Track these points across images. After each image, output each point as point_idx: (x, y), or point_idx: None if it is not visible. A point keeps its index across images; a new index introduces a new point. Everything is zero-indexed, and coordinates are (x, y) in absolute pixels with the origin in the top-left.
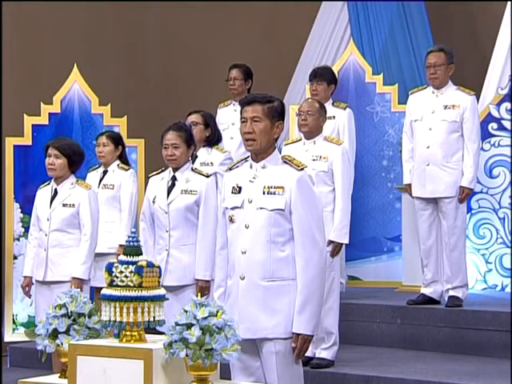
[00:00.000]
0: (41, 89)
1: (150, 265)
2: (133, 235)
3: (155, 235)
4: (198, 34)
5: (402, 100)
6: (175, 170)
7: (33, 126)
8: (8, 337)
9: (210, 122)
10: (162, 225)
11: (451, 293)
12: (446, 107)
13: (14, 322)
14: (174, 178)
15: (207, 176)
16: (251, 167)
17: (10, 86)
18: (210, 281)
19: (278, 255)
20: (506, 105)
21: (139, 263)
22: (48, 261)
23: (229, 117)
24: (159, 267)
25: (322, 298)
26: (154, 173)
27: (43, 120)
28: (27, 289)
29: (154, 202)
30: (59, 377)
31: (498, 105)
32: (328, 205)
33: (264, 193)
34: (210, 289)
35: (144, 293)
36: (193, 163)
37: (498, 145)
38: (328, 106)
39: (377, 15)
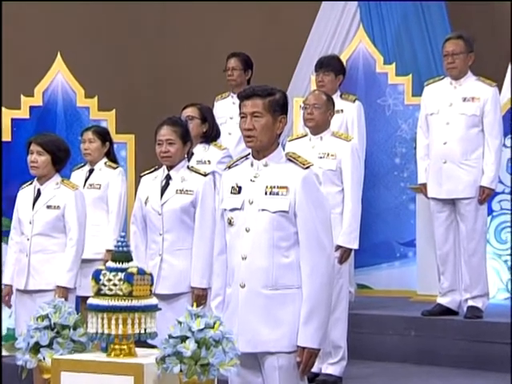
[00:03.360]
0: (21, 79)
1: (141, 272)
2: (122, 239)
3: (147, 239)
4: (194, 20)
5: (417, 92)
6: (170, 168)
7: (12, 120)
8: None
9: (207, 117)
10: (155, 228)
11: (470, 303)
12: (464, 100)
13: None
14: (168, 177)
15: (204, 175)
16: (252, 165)
17: None
18: (206, 289)
19: (282, 261)
20: None
21: (129, 270)
22: (30, 268)
23: (227, 110)
24: (151, 275)
25: (329, 308)
26: (147, 172)
27: (23, 114)
28: (7, 298)
29: (146, 203)
30: None
31: None
32: (336, 206)
33: (266, 193)
34: (207, 298)
35: (134, 302)
36: (188, 161)
37: None
38: (335, 98)
39: None
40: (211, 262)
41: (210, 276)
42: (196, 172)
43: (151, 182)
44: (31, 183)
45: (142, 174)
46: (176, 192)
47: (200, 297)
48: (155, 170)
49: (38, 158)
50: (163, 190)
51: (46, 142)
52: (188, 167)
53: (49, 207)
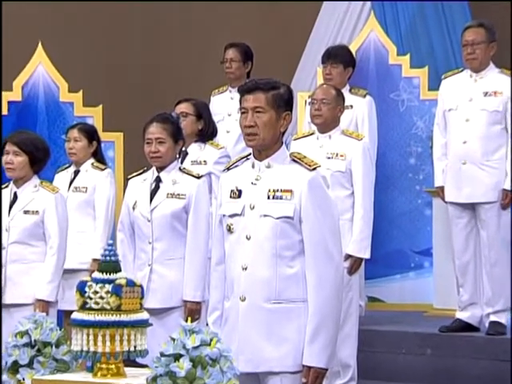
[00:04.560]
0: None
1: (131, 283)
2: (110, 248)
3: (135, 248)
4: (189, 9)
5: (433, 86)
6: (160, 169)
7: None
8: None
9: (203, 113)
10: (144, 235)
11: (492, 318)
12: (486, 94)
13: None
14: (158, 180)
15: (198, 177)
16: (253, 167)
17: None
18: (200, 302)
19: (286, 272)
20: None
21: (117, 282)
22: (7, 279)
23: (224, 106)
24: (141, 286)
25: (337, 324)
26: (135, 173)
27: (1, 110)
28: None
29: (134, 209)
30: None
31: None
32: (346, 212)
33: (269, 197)
34: (201, 312)
35: (123, 317)
36: (182, 162)
37: None
38: (344, 93)
39: None
40: (205, 273)
41: (204, 288)
42: (189, 174)
43: (139, 185)
44: (7, 186)
45: (130, 177)
46: (167, 196)
47: (193, 311)
48: (144, 171)
49: (14, 159)
50: (153, 193)
51: (22, 141)
52: (180, 169)
53: (26, 212)
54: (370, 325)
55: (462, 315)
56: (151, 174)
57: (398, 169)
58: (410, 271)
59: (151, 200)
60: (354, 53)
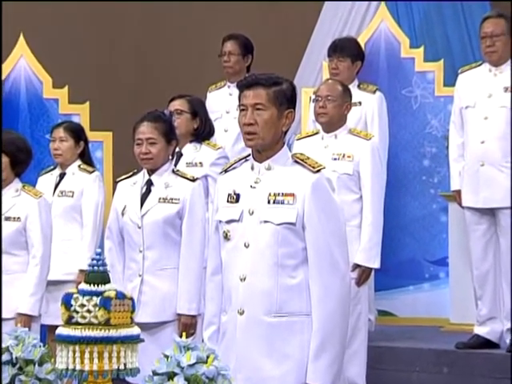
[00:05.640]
0: None
1: (120, 296)
2: (98, 257)
3: (125, 257)
4: (188, 6)
5: (449, 81)
6: (151, 172)
7: None
8: None
9: (198, 110)
10: (134, 243)
11: None
12: (506, 90)
13: None
14: (149, 183)
15: (193, 180)
16: (252, 169)
17: None
18: (196, 316)
19: (288, 283)
20: None
21: (106, 294)
22: None
23: (222, 103)
24: (132, 299)
25: (344, 340)
26: (124, 176)
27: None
28: None
29: (123, 214)
30: None
31: None
32: (353, 218)
33: (269, 202)
34: (197, 326)
35: (112, 332)
36: (176, 163)
37: None
38: (352, 88)
39: None
40: (201, 283)
41: (200, 301)
42: (182, 177)
43: (129, 188)
44: None
45: (119, 179)
46: (159, 201)
47: (188, 326)
48: (134, 174)
49: None
50: (143, 198)
51: (4, 141)
52: (173, 171)
53: (7, 219)
54: (380, 341)
55: (481, 330)
56: (142, 176)
57: (411, 171)
58: (424, 282)
59: (142, 205)
60: (362, 45)
